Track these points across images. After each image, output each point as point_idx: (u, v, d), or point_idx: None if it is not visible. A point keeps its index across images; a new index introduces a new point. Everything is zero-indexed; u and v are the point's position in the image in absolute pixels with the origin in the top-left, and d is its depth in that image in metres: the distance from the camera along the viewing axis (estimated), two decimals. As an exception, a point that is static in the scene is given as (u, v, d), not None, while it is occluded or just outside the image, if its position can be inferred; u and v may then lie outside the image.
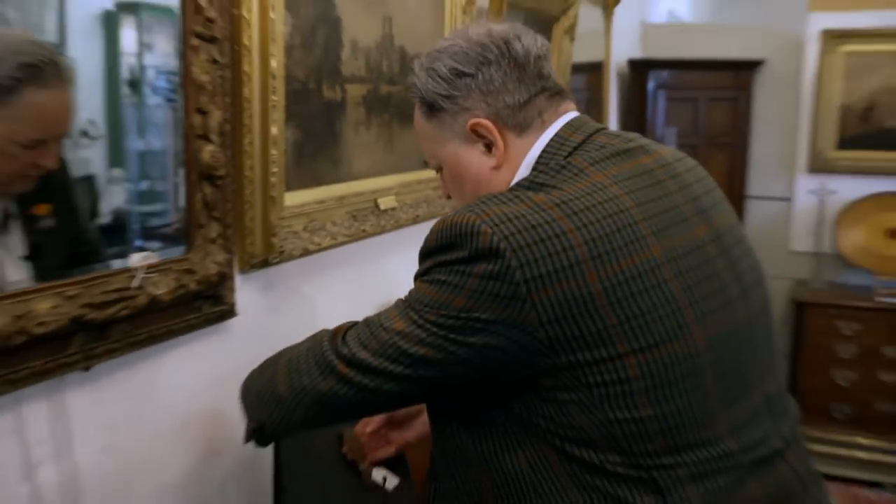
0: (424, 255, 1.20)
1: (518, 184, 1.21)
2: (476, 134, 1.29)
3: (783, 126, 4.87)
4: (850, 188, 4.62)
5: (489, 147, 1.29)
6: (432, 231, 1.18)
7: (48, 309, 1.22)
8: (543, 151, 1.27)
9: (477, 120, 1.28)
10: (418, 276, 1.20)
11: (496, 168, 1.30)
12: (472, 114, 1.28)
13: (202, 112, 1.51)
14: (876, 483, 4.30)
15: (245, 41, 1.61)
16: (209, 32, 1.51)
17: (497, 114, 1.28)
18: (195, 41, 1.49)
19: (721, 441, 1.15)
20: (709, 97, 4.88)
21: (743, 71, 4.93)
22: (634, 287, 1.11)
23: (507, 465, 1.18)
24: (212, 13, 1.51)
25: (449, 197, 1.42)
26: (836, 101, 4.71)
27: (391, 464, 1.56)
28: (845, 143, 4.71)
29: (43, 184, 1.30)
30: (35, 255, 1.30)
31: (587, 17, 3.64)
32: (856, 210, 4.60)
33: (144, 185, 1.52)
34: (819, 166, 4.72)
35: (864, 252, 4.55)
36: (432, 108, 1.31)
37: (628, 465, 1.12)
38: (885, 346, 4.29)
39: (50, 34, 1.29)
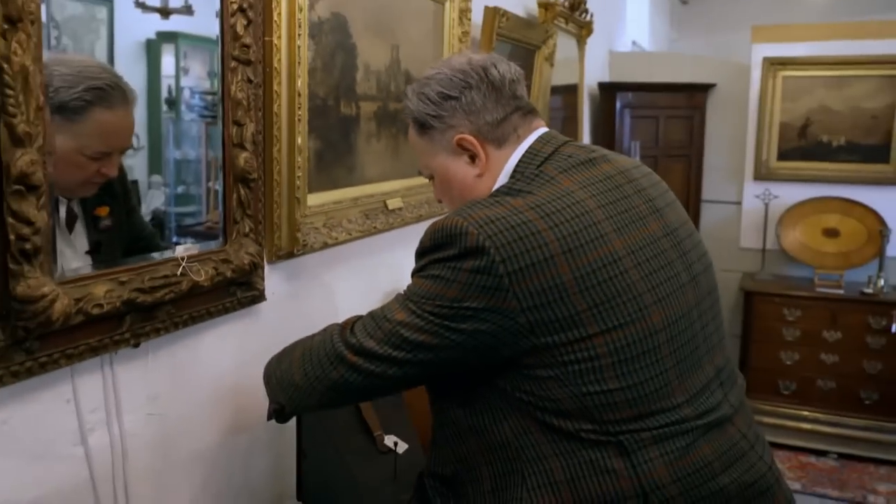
0: (420, 253, 1.21)
1: (498, 190, 1.24)
2: (461, 147, 1.31)
3: (732, 140, 4.87)
4: (790, 193, 4.62)
5: (473, 158, 1.32)
6: (426, 233, 1.20)
7: (104, 293, 1.21)
8: (519, 161, 1.29)
9: (462, 135, 1.30)
10: (415, 273, 1.21)
11: (479, 176, 1.32)
12: (457, 130, 1.31)
13: (239, 124, 1.50)
14: (820, 451, 4.29)
15: (275, 64, 1.60)
16: (245, 56, 1.51)
17: (479, 130, 1.30)
18: (233, 63, 1.48)
19: (678, 408, 1.17)
20: (667, 115, 4.87)
21: (697, 93, 4.92)
22: (600, 276, 1.12)
23: (496, 434, 1.18)
24: (248, 40, 1.51)
25: (440, 200, 1.43)
26: (777, 118, 4.70)
27: (401, 431, 1.55)
28: (785, 154, 4.71)
29: (103, 189, 1.30)
30: (95, 251, 1.29)
31: (564, 46, 3.64)
32: (795, 212, 4.60)
33: (180, 189, 1.53)
34: (763, 174, 4.72)
35: (804, 248, 4.55)
36: (423, 127, 1.34)
37: (599, 432, 1.13)
38: (824, 330, 4.28)
39: (101, 59, 1.29)
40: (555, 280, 1.10)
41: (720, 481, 1.17)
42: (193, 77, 1.50)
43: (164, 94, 1.43)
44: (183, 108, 1.48)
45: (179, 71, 1.46)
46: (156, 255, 1.38)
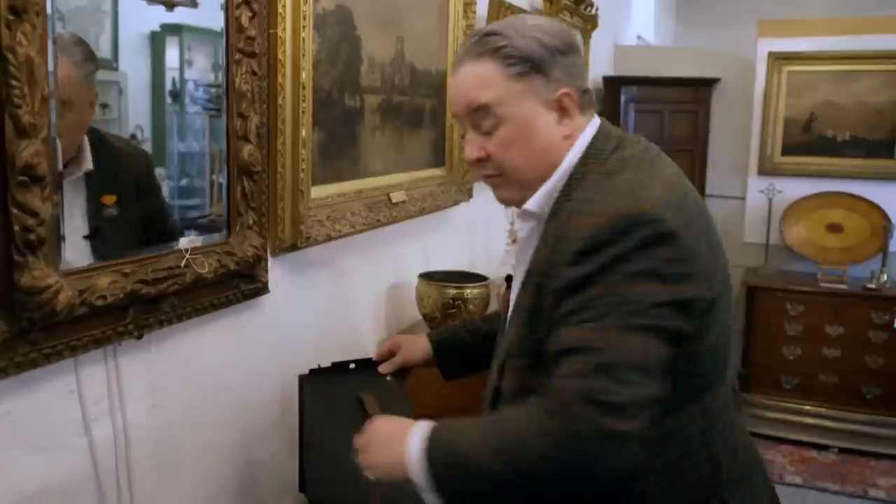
0: (593, 249, 1.08)
1: (612, 166, 1.21)
2: (559, 103, 1.25)
3: (737, 135, 4.85)
4: (794, 188, 4.61)
5: (562, 116, 1.26)
6: (595, 226, 1.09)
7: (108, 284, 1.21)
8: (596, 137, 1.27)
9: (567, 90, 1.24)
10: (595, 278, 1.08)
11: (566, 138, 1.26)
12: (562, 84, 1.24)
13: (243, 117, 1.50)
14: (821, 445, 4.29)
15: (280, 56, 1.60)
16: (250, 48, 1.50)
17: (576, 86, 1.26)
18: (238, 55, 1.48)
19: (727, 381, 1.27)
20: (672, 110, 4.85)
21: (702, 87, 4.90)
22: (716, 252, 1.21)
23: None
24: (252, 32, 1.50)
25: (480, 160, 1.28)
26: (782, 113, 4.69)
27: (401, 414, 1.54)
28: (790, 149, 4.69)
29: (115, 177, 1.29)
30: (93, 237, 1.28)
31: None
32: (799, 207, 4.59)
33: (184, 181, 1.52)
34: (767, 169, 4.71)
35: (808, 244, 4.54)
36: (529, 69, 1.22)
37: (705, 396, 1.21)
38: (827, 325, 4.27)
39: (105, 51, 1.28)
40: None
41: (753, 447, 1.31)
42: (198, 70, 1.49)
43: (168, 86, 1.43)
44: (187, 100, 1.47)
45: (184, 63, 1.45)
46: (166, 245, 1.39)
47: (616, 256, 1.07)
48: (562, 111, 1.25)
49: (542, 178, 1.26)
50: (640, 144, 1.28)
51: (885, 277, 4.28)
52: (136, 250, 1.32)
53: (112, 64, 1.31)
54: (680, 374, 1.12)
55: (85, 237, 1.26)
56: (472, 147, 1.28)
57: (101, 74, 1.29)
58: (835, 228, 4.55)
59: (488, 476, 1.08)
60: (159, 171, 1.43)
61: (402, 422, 1.25)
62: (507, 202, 1.37)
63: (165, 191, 1.44)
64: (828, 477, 3.97)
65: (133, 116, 1.36)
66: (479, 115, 1.25)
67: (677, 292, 1.08)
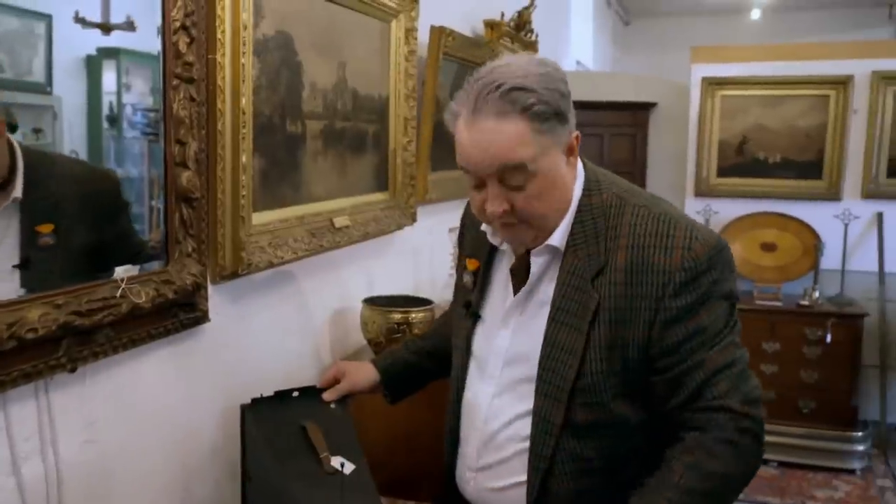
0: (694, 279, 1.25)
1: (645, 198, 1.35)
2: (571, 146, 1.30)
3: (674, 157, 4.97)
4: (729, 209, 4.73)
5: (569, 156, 1.31)
6: (695, 258, 1.25)
7: (39, 316, 1.16)
8: (588, 171, 1.37)
9: (577, 133, 1.31)
10: (699, 303, 1.26)
11: (572, 178, 1.34)
12: (572, 129, 1.29)
13: (181, 143, 1.47)
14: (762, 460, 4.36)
15: (219, 82, 1.57)
16: (188, 74, 1.47)
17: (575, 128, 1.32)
18: (175, 81, 1.45)
19: None
20: (612, 133, 4.95)
21: (639, 111, 5.02)
22: None
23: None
24: (190, 57, 1.48)
25: (504, 214, 1.28)
26: (716, 136, 4.82)
27: (348, 452, 1.52)
28: (724, 171, 4.82)
29: (54, 206, 1.26)
30: (23, 266, 1.22)
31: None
32: (735, 227, 4.71)
33: None
34: (704, 191, 4.83)
35: (743, 262, 4.65)
36: (556, 119, 1.24)
37: None
38: (763, 341, 4.38)
39: (38, 75, 1.25)
40: None
41: None
42: (136, 94, 1.45)
43: (106, 110, 1.39)
44: (125, 125, 1.44)
45: (121, 87, 1.42)
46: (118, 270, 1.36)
47: (713, 280, 1.26)
48: (571, 152, 1.31)
49: (560, 219, 1.33)
50: (603, 173, 1.40)
51: (816, 294, 4.41)
52: (76, 280, 1.27)
53: (46, 88, 1.27)
54: None
55: (15, 267, 1.21)
56: (497, 202, 1.27)
57: (35, 99, 1.25)
58: (769, 247, 4.68)
59: None
60: None
61: None
62: (518, 243, 1.39)
63: None
64: (768, 490, 4.05)
65: (69, 141, 1.32)
66: (511, 172, 1.24)
67: (736, 299, 1.33)
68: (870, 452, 4.38)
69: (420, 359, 1.71)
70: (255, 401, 1.58)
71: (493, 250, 1.47)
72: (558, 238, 1.32)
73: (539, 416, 1.33)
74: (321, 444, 1.51)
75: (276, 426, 1.55)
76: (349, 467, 1.48)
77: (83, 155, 1.34)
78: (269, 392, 1.61)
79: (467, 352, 1.48)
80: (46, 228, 1.26)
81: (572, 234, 1.32)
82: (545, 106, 1.21)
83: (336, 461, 1.47)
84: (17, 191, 1.21)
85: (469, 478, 1.45)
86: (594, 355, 1.28)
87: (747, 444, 1.25)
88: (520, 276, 1.39)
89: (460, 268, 1.57)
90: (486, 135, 1.22)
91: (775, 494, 4.00)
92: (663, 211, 1.31)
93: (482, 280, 1.48)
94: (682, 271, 1.24)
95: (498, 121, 1.20)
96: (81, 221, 1.32)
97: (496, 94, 1.20)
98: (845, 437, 4.28)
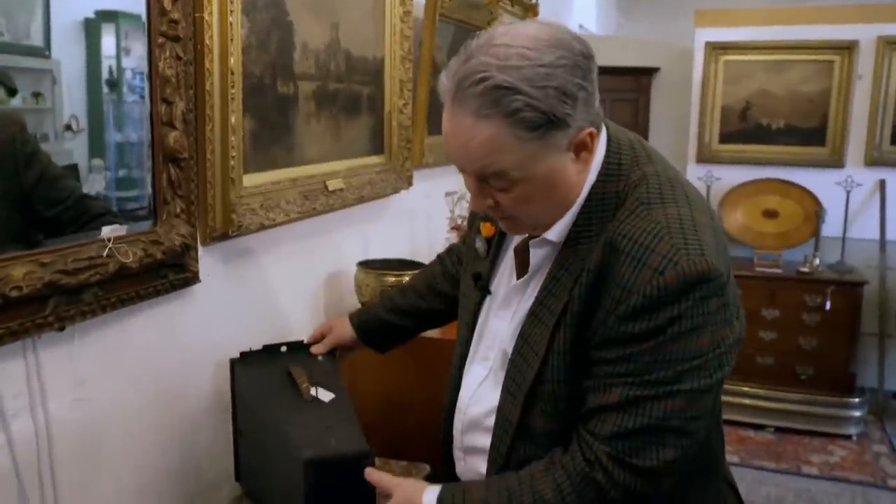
0: (653, 307, 1.06)
1: (662, 196, 1.14)
2: (580, 144, 1.11)
3: (676, 123, 4.93)
4: (731, 175, 4.71)
5: (578, 153, 1.13)
6: (655, 285, 1.05)
7: (24, 274, 1.17)
8: (608, 149, 1.18)
9: (590, 131, 1.11)
10: (646, 336, 1.07)
11: (581, 172, 1.15)
12: (580, 126, 1.10)
13: (168, 102, 1.46)
14: (758, 425, 4.41)
15: (207, 41, 1.56)
16: (173, 32, 1.46)
17: (592, 121, 1.12)
18: (161, 39, 1.43)
19: None
20: (613, 98, 4.91)
21: (642, 76, 4.97)
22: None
23: None
24: (175, 15, 1.46)
25: (504, 217, 1.19)
26: (719, 102, 4.78)
27: (328, 388, 1.52)
28: (727, 137, 4.79)
29: None
30: None
31: (510, 27, 3.62)
32: (737, 194, 4.69)
33: (122, 172, 1.48)
34: (706, 157, 4.80)
35: (745, 229, 4.64)
36: (549, 126, 1.06)
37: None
38: (763, 308, 4.38)
39: (36, 39, 1.24)
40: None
41: None
42: (135, 58, 1.44)
43: (105, 75, 1.39)
44: (124, 89, 1.43)
45: (120, 51, 1.41)
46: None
47: (672, 317, 1.05)
48: (581, 147, 1.13)
49: (561, 215, 1.18)
50: (646, 149, 1.22)
51: (817, 261, 4.40)
52: (55, 240, 1.27)
53: (44, 52, 1.26)
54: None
55: None
56: (478, 200, 1.15)
57: (33, 62, 1.25)
58: (770, 214, 4.66)
59: None
60: (96, 163, 1.38)
61: (411, 496, 1.22)
62: (514, 233, 1.30)
63: (102, 183, 1.40)
64: (764, 455, 4.08)
65: (68, 106, 1.32)
66: (492, 176, 1.11)
67: (720, 342, 1.09)
68: (866, 419, 4.41)
69: (395, 316, 1.69)
70: (243, 354, 1.61)
71: None
72: (556, 233, 1.18)
73: (501, 413, 1.25)
74: (302, 379, 1.51)
75: (262, 374, 1.56)
76: (327, 395, 1.48)
77: (83, 120, 1.34)
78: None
79: (472, 326, 1.38)
80: None
81: (576, 226, 1.17)
82: (534, 113, 1.04)
83: (313, 390, 1.48)
84: None
85: (458, 457, 1.40)
86: (555, 361, 1.16)
87: (586, 495, 1.11)
88: (522, 259, 1.28)
89: (474, 230, 1.43)
90: (463, 133, 1.07)
91: (771, 459, 4.04)
92: (665, 216, 1.11)
93: (496, 251, 1.36)
94: (640, 296, 1.06)
95: (476, 121, 1.05)
96: (13, 179, 1.25)
97: (478, 88, 1.04)
98: (842, 403, 4.30)
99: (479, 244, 1.38)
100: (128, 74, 1.44)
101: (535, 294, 1.22)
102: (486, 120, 1.05)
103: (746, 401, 4.40)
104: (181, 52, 1.48)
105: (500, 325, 1.30)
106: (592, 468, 1.10)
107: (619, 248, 1.10)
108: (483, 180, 1.13)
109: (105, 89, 1.38)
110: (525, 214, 1.17)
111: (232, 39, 1.61)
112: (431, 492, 1.20)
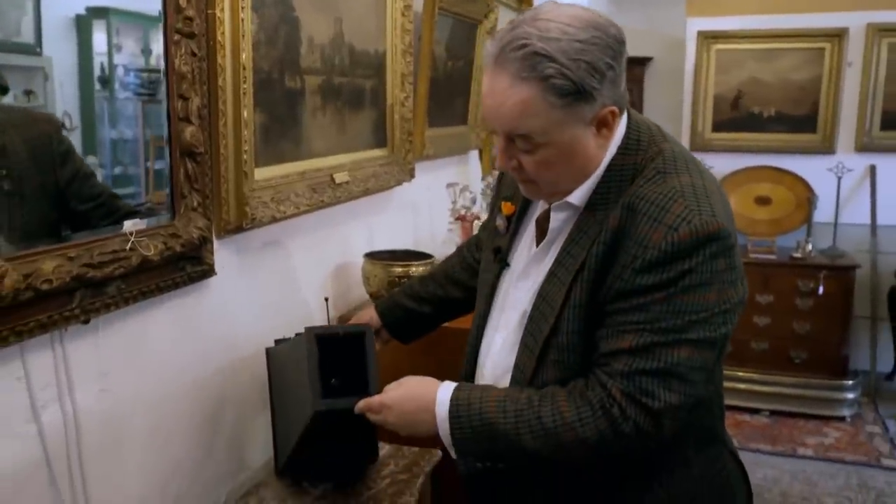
0: (664, 261, 1.15)
1: (676, 166, 1.24)
2: (602, 120, 1.21)
3: (669, 112, 4.97)
4: (724, 163, 4.74)
5: (599, 129, 1.22)
6: (668, 239, 1.15)
7: (53, 268, 1.19)
8: (629, 127, 1.28)
9: (612, 109, 1.21)
10: (658, 288, 1.16)
11: (601, 147, 1.25)
12: (604, 103, 1.19)
13: (184, 98, 1.48)
14: (754, 409, 4.46)
15: (219, 37, 1.58)
16: (189, 29, 1.48)
17: (617, 101, 1.21)
18: (177, 37, 1.46)
19: None
20: (607, 88, 4.92)
21: (634, 66, 5.00)
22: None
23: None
24: (190, 12, 1.48)
25: (527, 181, 1.29)
26: (711, 90, 4.82)
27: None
28: (719, 125, 4.83)
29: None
30: None
31: (505, 19, 3.65)
32: (730, 181, 4.73)
33: (117, 170, 1.48)
34: (699, 145, 4.84)
35: (738, 216, 4.62)
36: (577, 96, 1.16)
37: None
38: (757, 294, 4.43)
39: (27, 36, 1.24)
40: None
41: None
42: (127, 54, 1.45)
43: (97, 72, 1.39)
44: (117, 86, 1.43)
45: (112, 48, 1.41)
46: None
47: (684, 270, 1.15)
48: (603, 123, 1.22)
49: (580, 183, 1.27)
50: (662, 132, 1.32)
51: (809, 247, 4.46)
52: (81, 234, 1.30)
53: (35, 49, 1.26)
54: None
55: None
56: (506, 157, 1.26)
57: (25, 60, 1.25)
58: (763, 201, 4.71)
59: (517, 449, 1.22)
60: (91, 160, 1.38)
61: (425, 386, 1.32)
62: (534, 198, 1.39)
63: (98, 176, 1.40)
64: (760, 438, 4.14)
65: (61, 102, 1.31)
66: (518, 137, 1.22)
67: (726, 300, 1.18)
68: (859, 400, 4.47)
69: (415, 303, 1.74)
70: (277, 342, 1.69)
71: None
72: (578, 196, 1.27)
73: (518, 367, 1.33)
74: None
75: (293, 353, 1.58)
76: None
77: (76, 117, 1.33)
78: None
79: (490, 298, 1.46)
80: None
81: (596, 192, 1.26)
82: (564, 81, 1.14)
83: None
84: None
85: None
86: (570, 314, 1.24)
87: (600, 425, 1.18)
88: (543, 228, 1.36)
89: (495, 209, 1.52)
90: (499, 93, 1.18)
91: (767, 442, 4.09)
92: (680, 182, 1.20)
93: (515, 227, 1.45)
94: (655, 250, 1.14)
95: (512, 83, 1.16)
96: (33, 172, 1.27)
97: (518, 53, 1.15)
98: (836, 385, 4.37)
99: (500, 221, 1.47)
100: (119, 71, 1.44)
101: (553, 258, 1.31)
102: (520, 83, 1.16)
103: (742, 385, 4.46)
104: (196, 49, 1.50)
105: (519, 295, 1.37)
106: (609, 402, 1.17)
107: (637, 209, 1.19)
108: (511, 140, 1.23)
109: (97, 86, 1.38)
110: (544, 179, 1.27)
111: (243, 35, 1.63)
112: (446, 387, 1.29)
